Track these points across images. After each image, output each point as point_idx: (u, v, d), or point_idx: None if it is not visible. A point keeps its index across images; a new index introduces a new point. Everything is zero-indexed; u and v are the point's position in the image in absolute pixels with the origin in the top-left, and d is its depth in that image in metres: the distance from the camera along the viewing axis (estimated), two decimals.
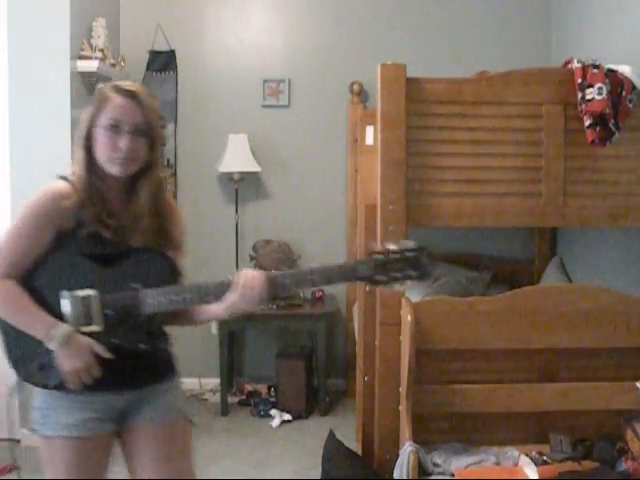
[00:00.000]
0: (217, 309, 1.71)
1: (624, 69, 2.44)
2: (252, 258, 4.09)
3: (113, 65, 3.83)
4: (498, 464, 2.28)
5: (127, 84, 1.72)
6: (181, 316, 1.79)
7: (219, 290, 1.66)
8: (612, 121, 2.37)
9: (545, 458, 2.28)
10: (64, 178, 1.70)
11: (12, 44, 3.30)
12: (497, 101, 2.47)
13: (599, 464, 2.24)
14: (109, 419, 1.72)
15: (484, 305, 2.38)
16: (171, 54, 4.22)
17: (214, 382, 4.17)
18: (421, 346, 2.30)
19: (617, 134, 2.40)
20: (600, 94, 2.34)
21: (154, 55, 4.23)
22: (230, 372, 4.17)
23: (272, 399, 4.04)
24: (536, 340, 2.37)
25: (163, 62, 4.23)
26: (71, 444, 1.67)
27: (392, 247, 1.64)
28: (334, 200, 4.31)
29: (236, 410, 4.04)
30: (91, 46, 3.58)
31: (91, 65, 3.52)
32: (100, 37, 3.64)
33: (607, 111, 2.34)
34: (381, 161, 2.43)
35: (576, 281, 3.65)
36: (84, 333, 1.62)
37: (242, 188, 4.19)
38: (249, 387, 4.23)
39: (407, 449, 2.18)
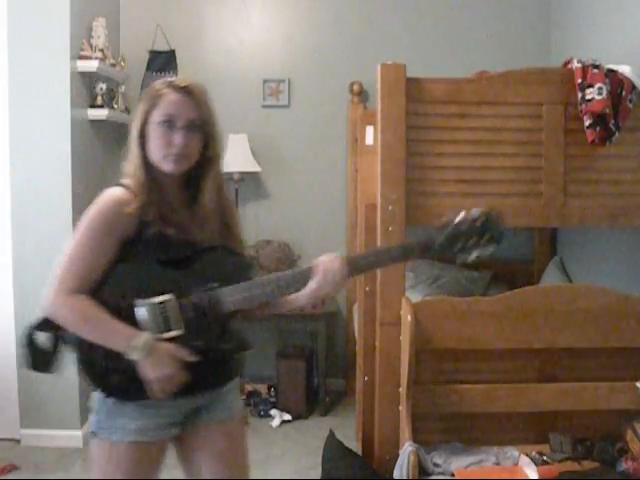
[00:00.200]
0: (298, 298, 1.70)
1: (624, 69, 2.44)
2: (252, 258, 4.09)
3: (113, 65, 3.83)
4: (498, 464, 2.28)
5: (180, 80, 1.70)
6: (261, 310, 1.77)
7: (299, 279, 1.65)
8: (612, 121, 2.37)
9: (545, 458, 2.28)
10: (119, 184, 1.67)
11: (12, 44, 3.30)
12: (497, 101, 2.47)
13: (599, 464, 2.24)
14: (176, 423, 1.71)
15: (484, 305, 2.38)
16: (171, 54, 4.22)
17: None
18: (421, 346, 2.30)
19: (617, 134, 2.40)
20: (600, 94, 2.34)
21: (154, 55, 4.23)
22: None
23: (272, 399, 4.04)
24: (536, 340, 2.37)
25: (163, 62, 4.22)
26: (136, 449, 1.65)
27: (459, 218, 1.65)
28: (334, 200, 4.31)
29: None
30: (91, 46, 3.58)
31: (91, 65, 3.52)
32: (100, 37, 3.64)
33: (607, 111, 2.34)
34: (381, 161, 2.43)
35: (576, 281, 3.65)
36: (165, 339, 1.60)
37: (242, 188, 4.19)
38: (249, 387, 4.22)
39: (407, 449, 2.18)
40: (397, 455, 2.27)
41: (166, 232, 1.64)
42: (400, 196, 2.41)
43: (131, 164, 1.69)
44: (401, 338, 2.37)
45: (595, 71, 2.39)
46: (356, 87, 4.16)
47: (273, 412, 3.91)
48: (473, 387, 2.37)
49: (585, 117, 2.39)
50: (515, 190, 2.51)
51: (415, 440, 2.22)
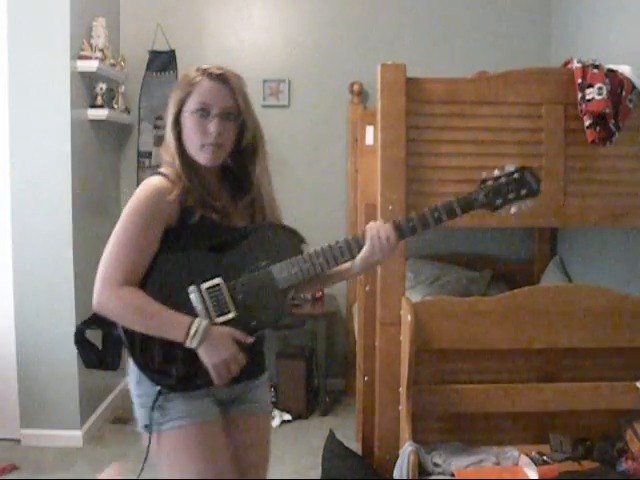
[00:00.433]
0: (349, 268, 1.70)
1: (624, 69, 2.44)
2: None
3: (113, 65, 3.83)
4: (498, 464, 2.28)
5: (215, 67, 1.67)
6: (313, 282, 1.76)
7: (348, 249, 1.64)
8: (612, 121, 2.37)
9: (545, 458, 2.28)
10: (158, 173, 1.66)
11: (12, 44, 3.30)
12: (497, 101, 2.47)
13: (599, 464, 2.24)
14: (218, 410, 1.71)
15: (484, 305, 2.38)
16: (171, 54, 4.22)
17: None
18: (421, 346, 2.30)
19: (617, 134, 2.40)
20: (600, 94, 2.34)
21: (154, 55, 4.23)
22: None
23: (272, 399, 4.04)
24: (536, 340, 2.37)
25: (163, 62, 4.22)
26: (199, 429, 1.64)
27: (496, 173, 1.68)
28: (334, 200, 4.31)
29: None
30: (91, 46, 3.58)
31: (91, 65, 3.52)
32: (100, 37, 3.64)
33: (607, 111, 2.34)
34: (381, 161, 2.43)
35: (576, 281, 3.65)
36: (220, 323, 1.59)
37: None
38: None
39: (407, 449, 2.18)
40: (397, 455, 2.27)
41: (209, 216, 1.64)
42: (400, 196, 2.41)
43: (168, 153, 1.67)
44: (401, 338, 2.37)
45: (595, 71, 2.39)
46: (356, 87, 4.16)
47: (273, 412, 3.91)
48: (473, 387, 2.37)
49: (585, 117, 2.39)
50: None
51: (415, 440, 2.22)
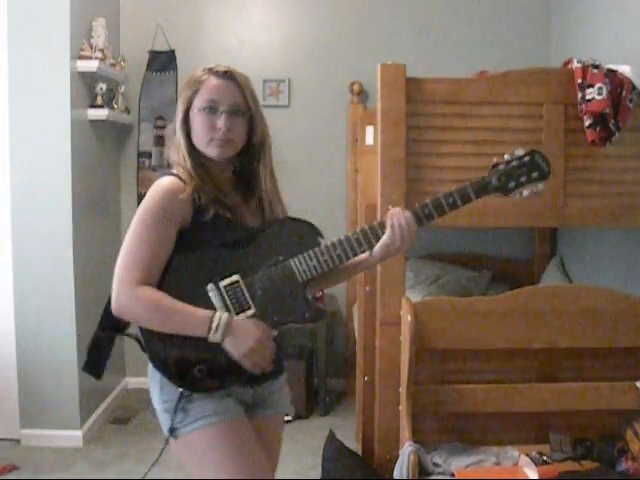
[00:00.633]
0: (367, 258, 1.70)
1: (624, 69, 2.44)
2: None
3: (113, 65, 3.83)
4: (498, 464, 2.28)
5: (221, 65, 1.69)
6: (332, 276, 1.76)
7: (367, 237, 1.64)
8: (612, 121, 2.37)
9: (545, 458, 2.27)
10: (169, 173, 1.67)
11: (12, 44, 3.30)
12: (497, 101, 2.47)
13: (599, 464, 2.24)
14: (242, 409, 1.70)
15: (484, 305, 2.38)
16: (171, 54, 4.22)
17: None
18: (421, 346, 2.30)
19: (617, 134, 2.40)
20: (600, 94, 2.34)
21: (154, 55, 4.23)
22: None
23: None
24: (536, 340, 2.37)
25: (163, 62, 4.23)
26: (228, 425, 1.63)
27: (507, 158, 1.69)
28: (334, 200, 4.31)
29: None
30: (91, 46, 3.58)
31: (91, 65, 3.52)
32: (100, 37, 3.64)
33: (607, 111, 2.34)
34: (381, 161, 2.43)
35: (576, 281, 3.65)
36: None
37: None
38: None
39: (407, 449, 2.18)
40: (397, 455, 2.27)
41: (223, 214, 1.64)
42: (400, 196, 2.41)
43: (178, 153, 1.69)
44: (401, 338, 2.37)
45: (595, 71, 2.39)
46: (356, 87, 4.16)
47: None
48: (473, 387, 2.37)
49: (585, 117, 2.39)
50: None
51: (415, 440, 2.22)
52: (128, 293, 1.56)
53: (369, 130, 3.33)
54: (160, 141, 4.24)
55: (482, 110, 2.47)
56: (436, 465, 2.26)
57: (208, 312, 1.56)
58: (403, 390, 2.32)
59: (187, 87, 1.69)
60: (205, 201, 1.62)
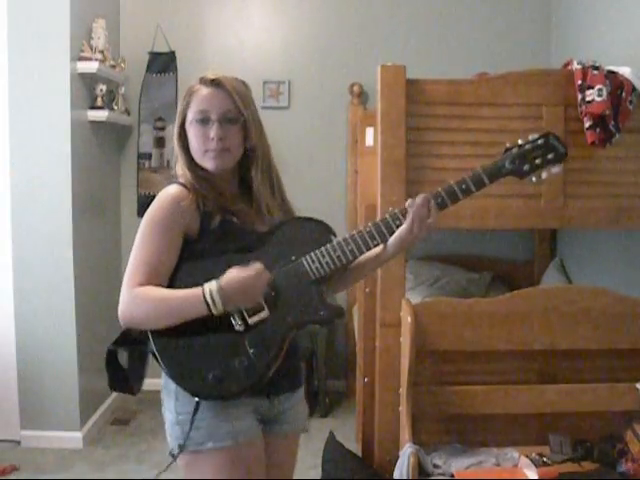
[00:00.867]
0: (381, 253, 1.67)
1: (624, 70, 2.44)
2: None
3: (113, 66, 3.83)
4: (498, 465, 2.28)
5: (210, 73, 1.66)
6: (347, 276, 1.73)
7: (380, 230, 1.62)
8: (612, 122, 2.37)
9: (545, 459, 2.27)
10: (175, 182, 1.65)
11: (12, 45, 3.30)
12: (497, 102, 2.47)
13: (599, 465, 2.24)
14: (260, 428, 1.67)
15: (484, 306, 2.38)
16: (171, 55, 4.22)
17: None
18: (421, 347, 2.30)
19: (617, 135, 2.40)
20: (600, 95, 2.34)
21: (154, 56, 4.23)
22: None
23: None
24: (536, 341, 2.37)
25: (163, 63, 4.23)
26: (240, 451, 1.60)
27: (520, 141, 1.67)
28: (334, 201, 4.30)
29: None
30: (91, 47, 3.58)
31: (91, 66, 3.52)
32: (100, 38, 3.64)
33: (607, 112, 2.34)
34: (381, 162, 2.43)
35: (576, 282, 3.65)
36: (256, 323, 1.56)
37: None
38: None
39: (407, 450, 2.18)
40: (397, 456, 2.27)
41: (230, 220, 1.63)
42: (400, 197, 2.41)
43: (179, 166, 1.68)
44: (401, 339, 2.37)
45: (595, 72, 2.39)
46: (356, 88, 4.16)
47: None
48: (473, 388, 2.37)
49: (585, 118, 2.39)
50: (515, 191, 2.50)
51: (415, 441, 2.22)
52: (127, 296, 1.56)
53: (369, 131, 3.33)
54: (160, 142, 4.25)
55: (482, 111, 2.47)
56: (436, 466, 2.26)
57: (197, 290, 1.52)
58: (403, 391, 2.32)
59: (182, 99, 1.68)
60: (211, 208, 1.61)
